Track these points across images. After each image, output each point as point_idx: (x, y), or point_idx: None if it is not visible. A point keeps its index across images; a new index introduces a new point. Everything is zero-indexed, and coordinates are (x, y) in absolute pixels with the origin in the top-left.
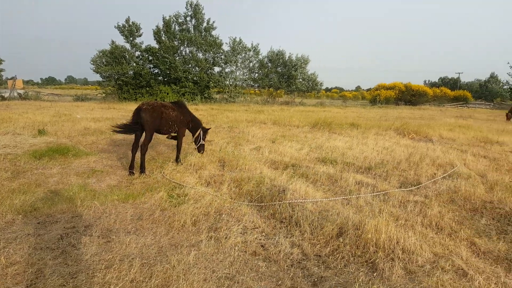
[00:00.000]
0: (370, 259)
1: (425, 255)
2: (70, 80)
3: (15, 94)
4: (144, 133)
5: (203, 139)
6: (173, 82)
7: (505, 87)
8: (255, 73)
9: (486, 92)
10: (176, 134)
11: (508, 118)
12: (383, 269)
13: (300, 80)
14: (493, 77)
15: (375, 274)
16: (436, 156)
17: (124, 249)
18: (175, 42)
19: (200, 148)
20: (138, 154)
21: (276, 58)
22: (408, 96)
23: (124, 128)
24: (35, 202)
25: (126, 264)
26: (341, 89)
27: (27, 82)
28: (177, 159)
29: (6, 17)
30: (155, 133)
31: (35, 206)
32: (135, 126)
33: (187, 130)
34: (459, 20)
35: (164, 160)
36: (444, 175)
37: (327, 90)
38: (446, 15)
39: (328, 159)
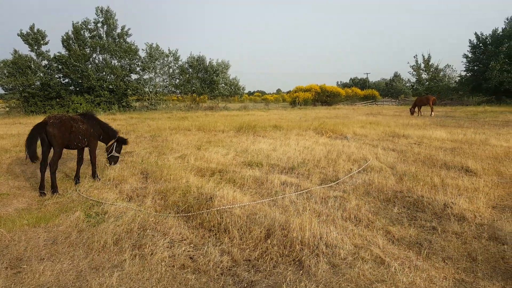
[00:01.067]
0: (297, 257)
1: (347, 247)
2: None
3: None
4: (52, 149)
5: (117, 151)
6: (86, 92)
7: (407, 84)
8: (176, 79)
9: (392, 90)
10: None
11: (411, 113)
12: (309, 266)
13: (223, 85)
14: (396, 76)
15: (301, 271)
16: (351, 152)
17: (38, 278)
18: (86, 50)
19: (111, 160)
20: (48, 173)
21: (197, 63)
22: (324, 97)
23: (31, 147)
24: None
25: None
26: (263, 93)
27: None
28: (93, 175)
29: None
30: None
31: None
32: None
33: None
34: (363, 25)
35: (80, 176)
36: (359, 169)
37: (249, 93)
38: (352, 23)
39: (254, 162)
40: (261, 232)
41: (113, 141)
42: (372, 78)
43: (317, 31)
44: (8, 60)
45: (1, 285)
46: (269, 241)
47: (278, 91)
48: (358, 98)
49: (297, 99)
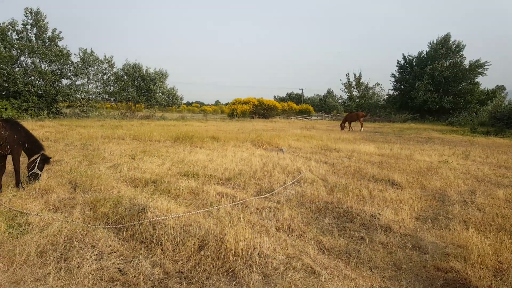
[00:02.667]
0: (230, 268)
1: (279, 257)
2: None
3: None
4: None
5: (39, 168)
6: (12, 96)
7: (339, 101)
8: (111, 86)
9: (325, 106)
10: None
11: (341, 128)
12: (242, 276)
13: (160, 94)
14: (329, 92)
15: (234, 282)
16: (286, 164)
17: None
18: (13, 52)
19: (31, 177)
20: None
21: (133, 71)
22: (261, 110)
23: None
24: None
25: None
26: (202, 103)
27: None
28: (17, 184)
29: None
30: None
31: None
32: None
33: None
34: (299, 43)
35: (3, 185)
36: (293, 181)
37: (188, 104)
38: (288, 38)
39: (190, 173)
40: (195, 243)
41: (36, 156)
42: (307, 94)
43: (255, 45)
44: None
45: None
46: (202, 252)
47: (217, 102)
48: (294, 112)
49: (235, 111)
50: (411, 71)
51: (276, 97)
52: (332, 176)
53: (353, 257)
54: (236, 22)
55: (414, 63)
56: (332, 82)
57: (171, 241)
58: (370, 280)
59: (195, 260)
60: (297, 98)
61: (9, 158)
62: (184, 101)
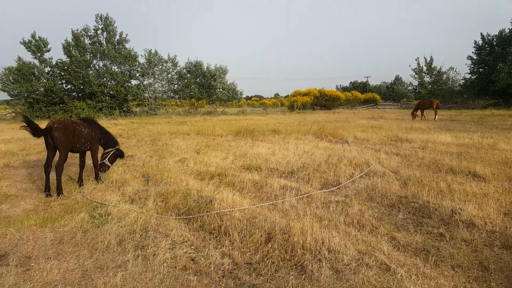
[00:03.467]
0: (299, 262)
1: (350, 253)
2: None
3: None
4: (58, 152)
5: (110, 160)
6: (88, 97)
7: (409, 88)
8: (175, 84)
9: (393, 94)
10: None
11: (413, 117)
12: (311, 271)
13: (220, 89)
14: (398, 79)
15: (304, 276)
16: (353, 157)
17: (46, 276)
18: (87, 56)
19: (101, 166)
20: (53, 175)
21: (195, 69)
22: (323, 101)
23: (33, 131)
24: None
25: None
26: (261, 97)
27: None
28: (96, 177)
29: None
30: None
31: None
32: (41, 135)
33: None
34: (363, 28)
35: (84, 179)
36: (361, 174)
37: (247, 98)
38: (352, 26)
39: (253, 166)
40: (261, 235)
41: (111, 149)
42: (373, 82)
43: (315, 35)
44: (13, 67)
45: (12, 282)
46: (269, 245)
47: (276, 95)
48: (358, 102)
49: (296, 103)
50: (491, 52)
51: (339, 86)
52: (404, 169)
53: (432, 254)
54: (293, 10)
55: (494, 43)
56: (400, 69)
57: (238, 232)
58: (452, 279)
59: (262, 252)
60: (361, 87)
61: (88, 154)
62: (244, 96)
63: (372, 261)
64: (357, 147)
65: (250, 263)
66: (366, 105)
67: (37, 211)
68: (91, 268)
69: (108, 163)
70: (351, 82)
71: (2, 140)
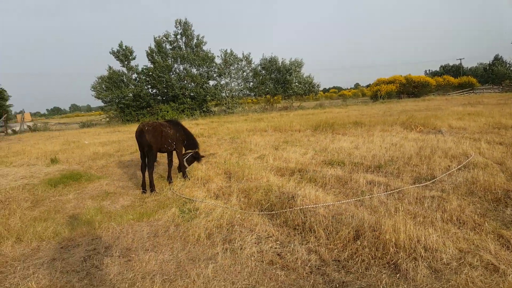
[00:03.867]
0: (392, 260)
1: (450, 251)
2: (74, 108)
3: (25, 127)
4: (149, 153)
5: (188, 161)
6: (171, 100)
7: None
8: (250, 82)
9: (492, 76)
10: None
11: None
12: (406, 270)
13: (296, 83)
14: (497, 59)
15: (398, 275)
16: (448, 148)
17: (145, 267)
18: (168, 61)
19: (179, 167)
20: (147, 173)
21: (269, 65)
22: (410, 88)
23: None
24: (56, 228)
25: (148, 281)
26: (340, 88)
27: (34, 114)
28: (183, 175)
29: (9, 57)
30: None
31: (57, 232)
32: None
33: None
34: (453, 5)
35: (172, 177)
36: (459, 166)
37: (325, 91)
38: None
39: (335, 161)
40: (349, 232)
41: (190, 151)
42: (467, 64)
43: (395, 16)
44: (105, 76)
45: (117, 271)
46: (358, 242)
47: (357, 85)
48: (451, 87)
49: (379, 92)
50: None
51: (428, 71)
52: (511, 159)
53: None
54: None
55: None
56: (500, 47)
57: (324, 229)
58: None
59: (351, 249)
60: (454, 71)
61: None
62: (321, 88)
63: (476, 261)
64: (452, 137)
65: (339, 260)
66: (460, 91)
67: (134, 207)
68: (184, 259)
69: (186, 164)
70: (441, 66)
71: (100, 143)
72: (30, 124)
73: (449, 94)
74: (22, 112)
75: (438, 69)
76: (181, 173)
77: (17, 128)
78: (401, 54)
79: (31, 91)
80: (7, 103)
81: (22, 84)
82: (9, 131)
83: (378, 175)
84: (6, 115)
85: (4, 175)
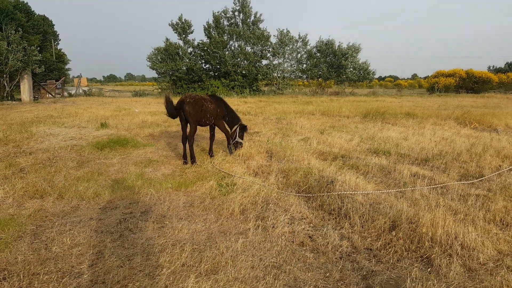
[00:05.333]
0: (425, 254)
1: (488, 252)
2: (129, 77)
3: (81, 91)
4: (189, 124)
5: (240, 136)
6: (223, 76)
7: None
8: (303, 64)
9: None
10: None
11: None
12: (439, 265)
13: (351, 69)
14: None
15: (429, 270)
16: (502, 147)
17: (177, 234)
18: (224, 37)
19: (236, 145)
20: (188, 145)
21: (325, 48)
22: (470, 84)
23: (170, 113)
24: (97, 189)
25: (178, 248)
26: (396, 78)
27: (91, 80)
28: (228, 147)
29: (71, 24)
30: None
31: (97, 193)
32: (176, 113)
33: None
34: None
35: (214, 151)
36: (511, 167)
37: (380, 79)
38: None
39: (381, 150)
40: (385, 222)
41: (236, 126)
42: None
43: (463, 6)
44: (161, 47)
45: (149, 236)
46: (393, 233)
47: (414, 76)
48: None
49: (437, 85)
50: None
51: (491, 67)
52: None
53: None
54: None
55: None
56: None
57: (360, 216)
58: None
59: (385, 239)
60: None
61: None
62: (376, 76)
63: None
64: (508, 136)
65: (371, 249)
66: None
67: (174, 176)
68: (215, 231)
69: (240, 140)
70: (507, 63)
71: (149, 113)
72: (86, 88)
73: (511, 93)
74: (79, 77)
75: (503, 66)
76: (228, 148)
77: (73, 92)
78: (464, 46)
79: (91, 57)
80: (66, 66)
81: (83, 50)
82: (65, 93)
83: (423, 168)
84: (64, 78)
85: (55, 134)
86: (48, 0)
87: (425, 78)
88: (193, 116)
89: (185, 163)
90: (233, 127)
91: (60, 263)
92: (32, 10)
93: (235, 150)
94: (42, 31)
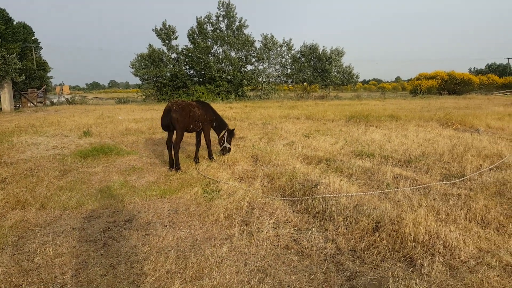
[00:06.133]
0: (408, 254)
1: (469, 250)
2: (113, 84)
3: (63, 99)
4: (175, 131)
5: (228, 142)
6: (208, 82)
7: None
8: (288, 68)
9: None
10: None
11: None
12: (422, 265)
13: (335, 73)
14: None
15: (412, 269)
16: (483, 147)
17: (161, 242)
18: (208, 42)
19: (224, 151)
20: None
21: (310, 52)
22: (452, 85)
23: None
24: (80, 198)
25: (163, 255)
26: (380, 81)
27: (73, 88)
28: (209, 156)
29: (52, 31)
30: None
31: (80, 202)
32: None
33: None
34: (506, 3)
35: (199, 157)
36: (491, 166)
37: (364, 82)
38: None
39: (365, 153)
40: (368, 224)
41: (224, 131)
42: None
43: (444, 8)
44: (145, 54)
45: (133, 244)
46: (377, 234)
47: (397, 79)
48: (495, 87)
49: (419, 87)
50: None
51: (472, 70)
52: None
53: None
54: None
55: None
56: None
57: (344, 218)
58: None
59: (368, 240)
60: (500, 70)
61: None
62: (360, 79)
63: (495, 261)
64: (489, 136)
65: (355, 250)
66: (504, 91)
67: (158, 183)
68: (200, 238)
69: (228, 145)
70: (487, 65)
71: (133, 120)
72: (68, 96)
73: (491, 94)
74: (61, 85)
75: (483, 68)
76: (207, 153)
77: (55, 100)
78: (446, 48)
79: (72, 65)
80: (48, 74)
81: (64, 58)
82: (47, 102)
83: (406, 170)
84: (45, 86)
85: (37, 144)
86: (27, 7)
87: (408, 80)
88: (180, 122)
89: (170, 170)
90: (221, 133)
91: (43, 274)
92: (10, 17)
93: (223, 155)
94: (22, 38)
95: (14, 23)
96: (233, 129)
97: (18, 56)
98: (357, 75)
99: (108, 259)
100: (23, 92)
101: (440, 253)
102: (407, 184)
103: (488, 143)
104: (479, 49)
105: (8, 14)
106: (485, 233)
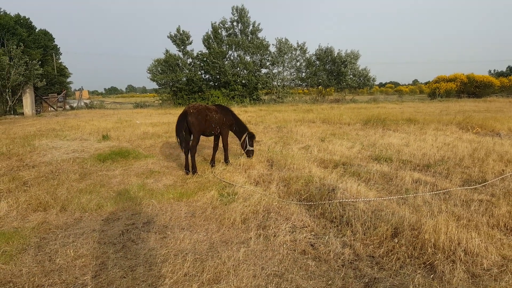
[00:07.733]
0: (428, 261)
1: (492, 257)
2: (130, 89)
3: (82, 103)
4: (192, 135)
5: (250, 145)
6: (223, 86)
7: None
8: (303, 72)
9: None
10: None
11: None
12: (442, 271)
13: (351, 76)
14: None
15: (432, 276)
16: (505, 151)
17: (179, 245)
18: (223, 47)
19: (249, 154)
20: (190, 155)
21: (324, 55)
22: (472, 88)
23: (181, 138)
24: (99, 201)
25: (180, 258)
26: (397, 84)
27: (92, 93)
28: (225, 160)
29: (72, 36)
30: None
31: (100, 205)
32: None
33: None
34: None
35: (215, 160)
36: None
37: (380, 85)
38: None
39: (382, 157)
40: (387, 229)
41: (245, 135)
42: None
43: (463, 9)
44: (161, 59)
45: (151, 246)
46: (396, 240)
47: (415, 82)
48: None
49: (438, 90)
50: None
51: (493, 72)
52: None
53: None
54: None
55: None
56: None
57: (362, 224)
58: None
59: (387, 246)
60: None
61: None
62: (377, 82)
63: None
64: (511, 140)
65: (373, 256)
66: None
67: (175, 187)
68: (217, 241)
69: (251, 148)
70: (508, 67)
71: (151, 124)
72: (87, 101)
73: None
74: (80, 90)
75: (504, 70)
76: (224, 157)
77: (75, 104)
78: (465, 51)
79: (92, 70)
80: (68, 80)
81: (84, 63)
82: (67, 106)
83: (425, 174)
84: (65, 91)
85: (57, 147)
86: (49, 14)
87: (426, 83)
88: (196, 126)
89: (187, 173)
90: (242, 136)
91: (64, 275)
92: (33, 25)
93: (248, 158)
94: (43, 45)
95: (36, 30)
96: (254, 134)
97: (40, 62)
98: (374, 78)
99: (127, 261)
100: (44, 97)
101: (461, 260)
102: (427, 189)
103: (511, 148)
104: (500, 51)
105: (31, 22)
106: (509, 240)
